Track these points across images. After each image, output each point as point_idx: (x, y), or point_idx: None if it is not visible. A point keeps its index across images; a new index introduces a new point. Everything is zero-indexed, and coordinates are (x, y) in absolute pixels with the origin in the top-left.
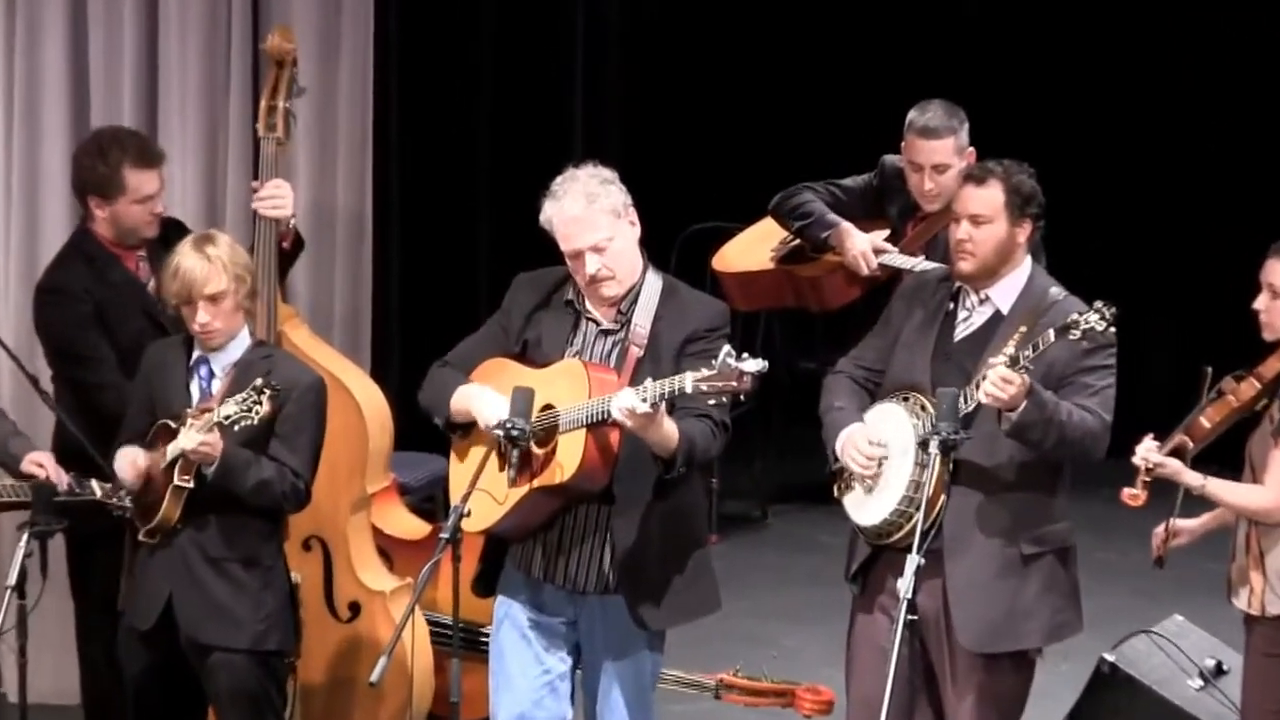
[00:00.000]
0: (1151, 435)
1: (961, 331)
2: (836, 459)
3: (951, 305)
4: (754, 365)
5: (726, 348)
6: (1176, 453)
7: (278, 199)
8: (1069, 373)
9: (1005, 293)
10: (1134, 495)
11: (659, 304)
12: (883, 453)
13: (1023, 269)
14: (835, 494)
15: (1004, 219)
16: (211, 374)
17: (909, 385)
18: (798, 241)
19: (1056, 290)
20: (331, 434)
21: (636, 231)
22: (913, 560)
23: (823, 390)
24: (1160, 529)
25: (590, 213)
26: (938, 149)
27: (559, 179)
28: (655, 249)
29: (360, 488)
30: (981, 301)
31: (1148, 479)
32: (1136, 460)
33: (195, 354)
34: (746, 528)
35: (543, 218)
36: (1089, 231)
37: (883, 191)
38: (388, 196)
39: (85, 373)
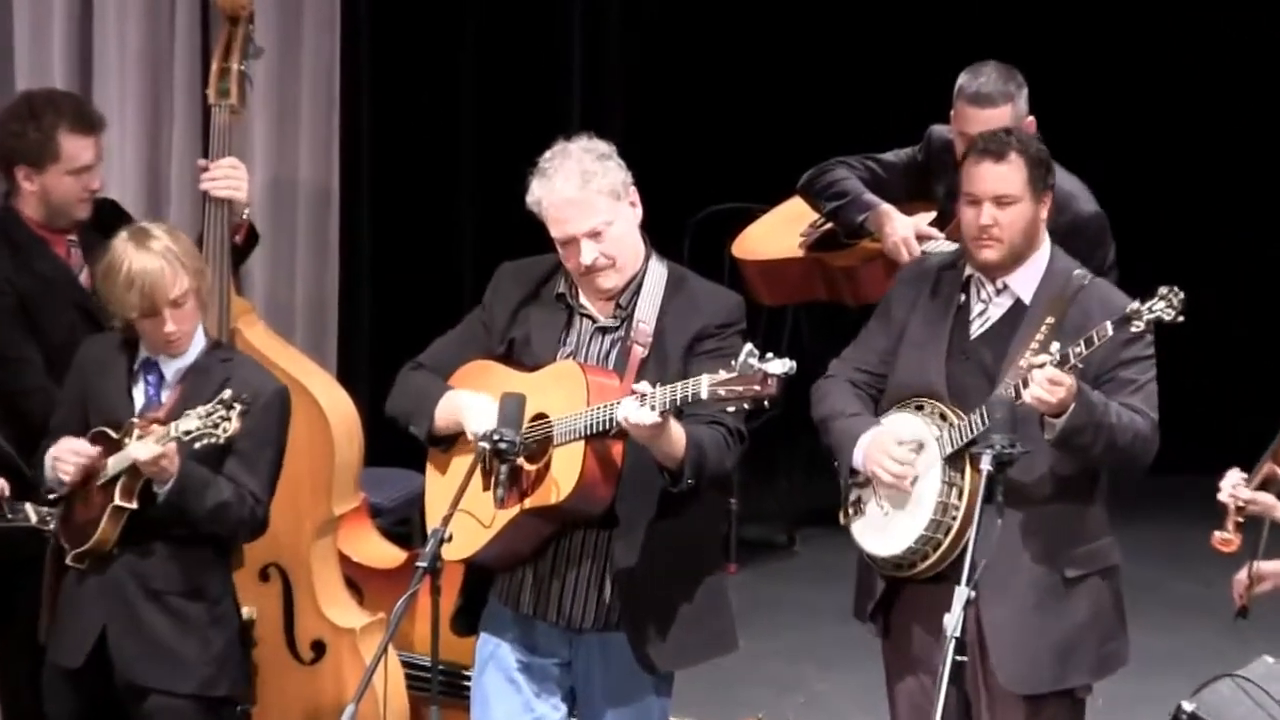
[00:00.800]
0: (1237, 469)
1: (979, 326)
2: (853, 473)
3: (963, 296)
4: (779, 366)
5: (748, 347)
6: (1266, 485)
7: (232, 179)
8: (1107, 367)
9: (1026, 279)
10: (1226, 540)
11: (664, 296)
12: (917, 456)
13: (1043, 251)
14: (842, 520)
15: (1028, 197)
16: (161, 379)
17: (922, 391)
18: (830, 226)
19: (1081, 272)
20: (293, 447)
21: (638, 214)
22: (961, 595)
23: (815, 398)
24: (1242, 574)
25: (586, 194)
26: (993, 118)
27: (549, 154)
28: (663, 234)
29: (325, 509)
30: (999, 291)
31: (1239, 519)
32: (1223, 498)
33: (141, 355)
34: (770, 555)
35: (530, 199)
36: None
37: (929, 168)
38: (357, 173)
39: (7, 376)
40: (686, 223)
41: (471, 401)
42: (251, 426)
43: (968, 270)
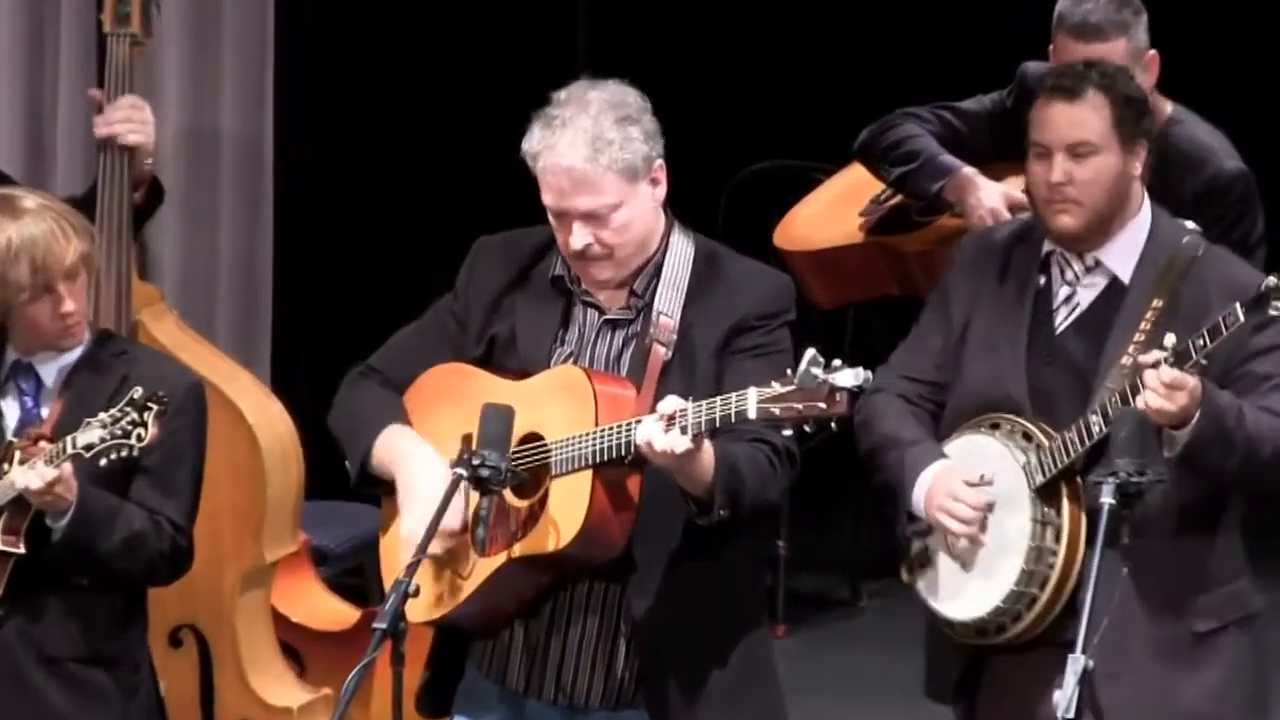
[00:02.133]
0: None
1: (1065, 316)
2: (912, 519)
3: (1042, 278)
4: (851, 378)
5: (810, 352)
6: None
7: (132, 122)
8: (1236, 361)
9: (1123, 252)
10: None
11: (691, 280)
12: (992, 497)
13: (1143, 215)
14: (904, 577)
15: (1115, 145)
16: (39, 385)
17: (997, 404)
18: (898, 198)
19: (1192, 239)
20: (212, 476)
21: (660, 193)
22: (1076, 665)
23: (861, 420)
24: None
25: (594, 170)
26: (1101, 54)
27: (563, 97)
28: (692, 201)
29: (254, 554)
30: (1090, 269)
31: None
32: None
33: (10, 359)
34: (829, 614)
35: (526, 147)
36: None
37: (1020, 116)
38: (296, 122)
39: None
40: (722, 186)
41: (411, 451)
42: (163, 436)
43: (1047, 245)
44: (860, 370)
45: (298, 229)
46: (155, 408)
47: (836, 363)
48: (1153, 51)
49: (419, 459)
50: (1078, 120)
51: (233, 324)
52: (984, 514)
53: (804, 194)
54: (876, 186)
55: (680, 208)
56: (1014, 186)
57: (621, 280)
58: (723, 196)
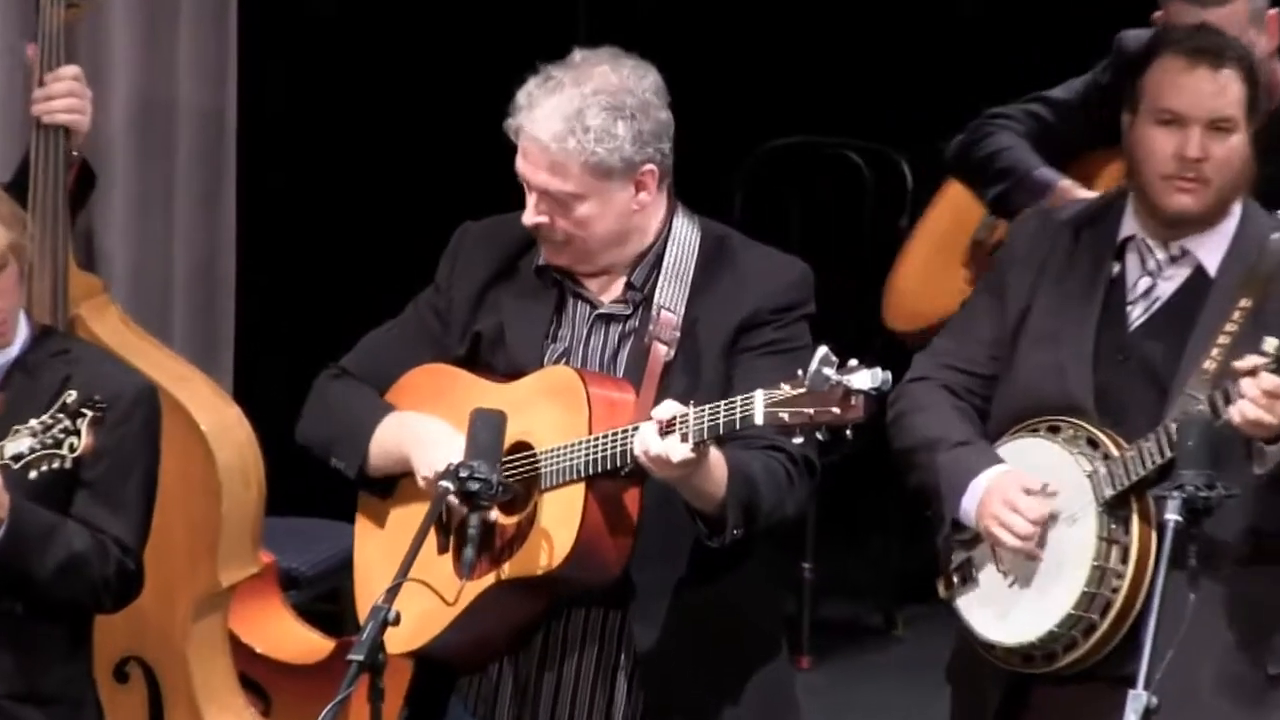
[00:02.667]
0: None
1: (1143, 310)
2: (959, 528)
3: (1117, 266)
4: (868, 379)
5: (822, 350)
6: None
7: (70, 98)
8: None
9: (1215, 241)
10: None
11: (697, 269)
12: (1054, 509)
13: (1238, 204)
14: (942, 591)
15: (1245, 126)
16: None
17: (1057, 405)
18: (1000, 233)
19: None
20: (162, 488)
21: (645, 198)
22: (1138, 703)
23: (896, 413)
24: None
25: (559, 153)
26: (1222, 18)
27: (577, 59)
28: (706, 180)
29: (208, 578)
30: (1175, 258)
31: None
32: None
33: None
34: (860, 644)
35: (518, 95)
36: None
37: (1117, 92)
38: (261, 94)
39: None
40: (741, 162)
41: (426, 429)
42: (108, 445)
43: (1126, 228)
44: (879, 371)
45: (265, 216)
46: (90, 414)
47: (852, 362)
48: (1274, 11)
49: (429, 425)
50: (1221, 90)
51: (190, 323)
52: (1046, 527)
53: (829, 173)
54: (965, 229)
55: (691, 189)
56: (1117, 177)
57: (597, 270)
58: (739, 176)
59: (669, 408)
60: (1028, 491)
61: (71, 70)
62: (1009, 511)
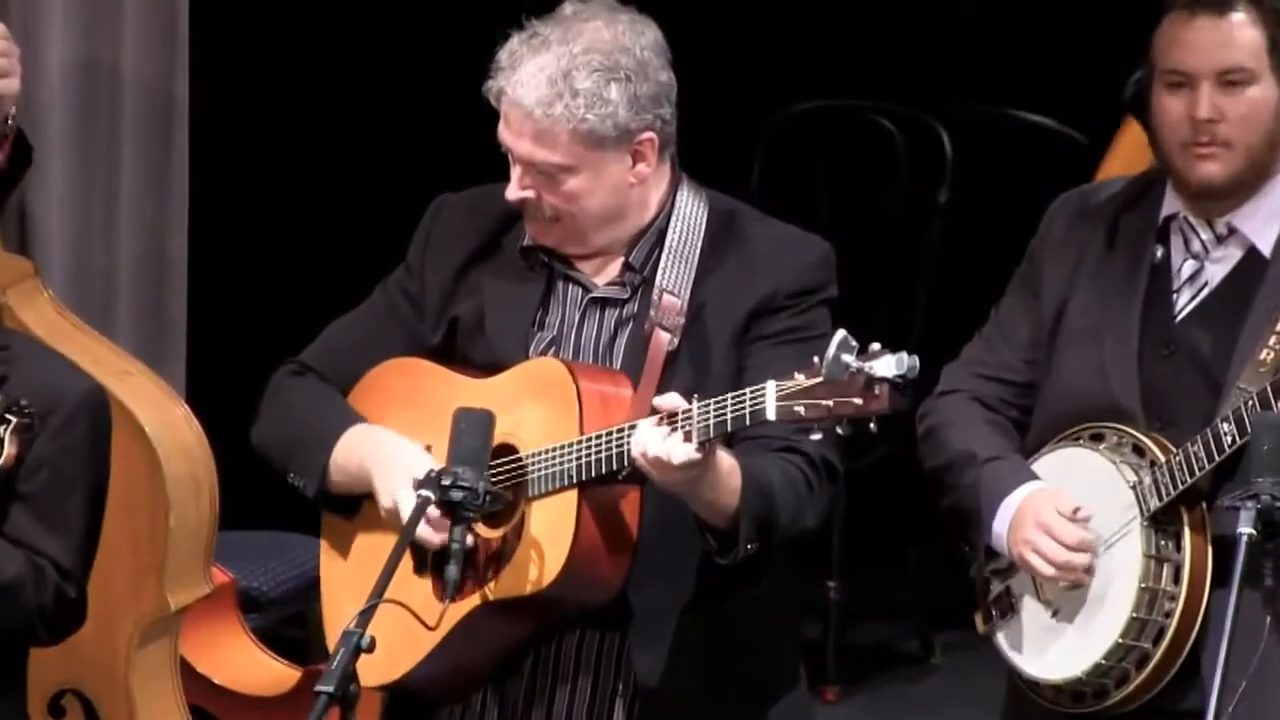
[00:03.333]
0: None
1: (1189, 297)
2: (991, 555)
3: (1159, 250)
4: (892, 365)
5: (840, 334)
6: None
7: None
8: None
9: (1263, 217)
10: None
11: (704, 249)
12: (1093, 537)
13: None
14: (980, 626)
15: (1269, 74)
16: None
17: (1100, 409)
18: None
19: None
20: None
21: (644, 170)
22: None
23: (925, 430)
24: None
25: (544, 119)
26: None
27: (568, 11)
28: (720, 149)
29: (155, 599)
30: (1222, 238)
31: None
32: None
33: None
34: (894, 673)
35: (499, 55)
36: None
37: None
38: (216, 60)
39: None
40: (760, 128)
41: (392, 447)
42: (48, 455)
43: (1166, 207)
44: (904, 356)
45: (220, 194)
46: (13, 420)
47: (874, 346)
48: None
49: (395, 443)
50: (1228, 40)
51: (137, 312)
52: (1086, 556)
53: (859, 141)
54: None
55: (701, 159)
56: None
57: (590, 251)
58: (756, 145)
59: (671, 401)
60: (1062, 514)
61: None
62: (1043, 535)
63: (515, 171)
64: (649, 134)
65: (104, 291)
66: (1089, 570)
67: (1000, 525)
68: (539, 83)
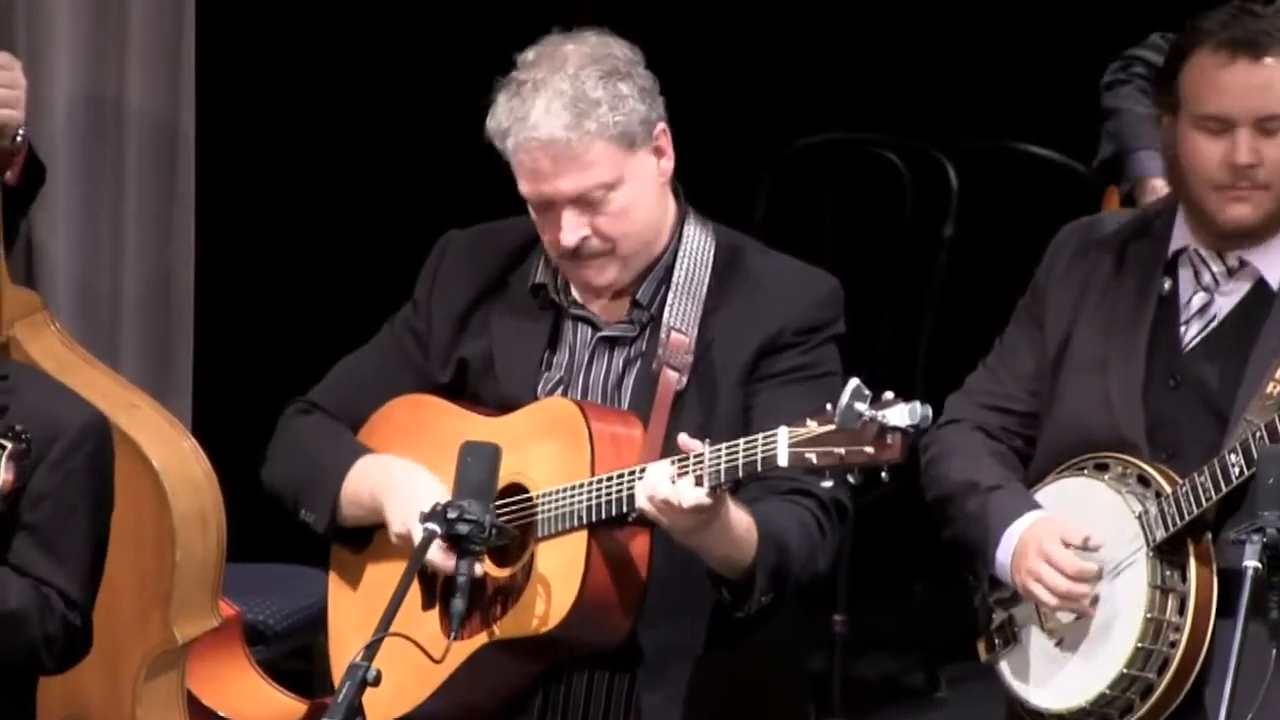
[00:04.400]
0: None
1: (1197, 329)
2: (995, 585)
3: (1167, 282)
4: (905, 415)
5: (854, 383)
6: None
7: (2, 90)
8: None
9: (1275, 249)
10: None
11: (711, 284)
12: (1099, 565)
13: None
14: (983, 654)
15: None
16: None
17: (1105, 440)
18: None
19: None
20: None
21: (667, 166)
22: None
23: (928, 460)
24: None
25: (578, 140)
26: None
27: (530, 57)
28: (726, 183)
29: (161, 633)
30: (1233, 271)
31: None
32: None
33: None
34: (899, 706)
35: (492, 125)
36: None
37: None
38: (223, 91)
39: None
40: (766, 162)
41: (403, 475)
42: (50, 486)
43: (1177, 240)
44: (918, 406)
45: (227, 226)
46: (8, 446)
47: (887, 395)
48: None
49: (407, 471)
50: (1267, 84)
51: (143, 345)
52: (1088, 586)
53: (864, 175)
54: None
55: (707, 193)
56: None
57: (615, 287)
58: (762, 178)
59: (684, 445)
60: (1066, 543)
61: (2, 57)
62: (1045, 565)
63: (565, 217)
64: (661, 124)
65: (109, 322)
66: (1093, 601)
67: (1004, 555)
68: (557, 112)
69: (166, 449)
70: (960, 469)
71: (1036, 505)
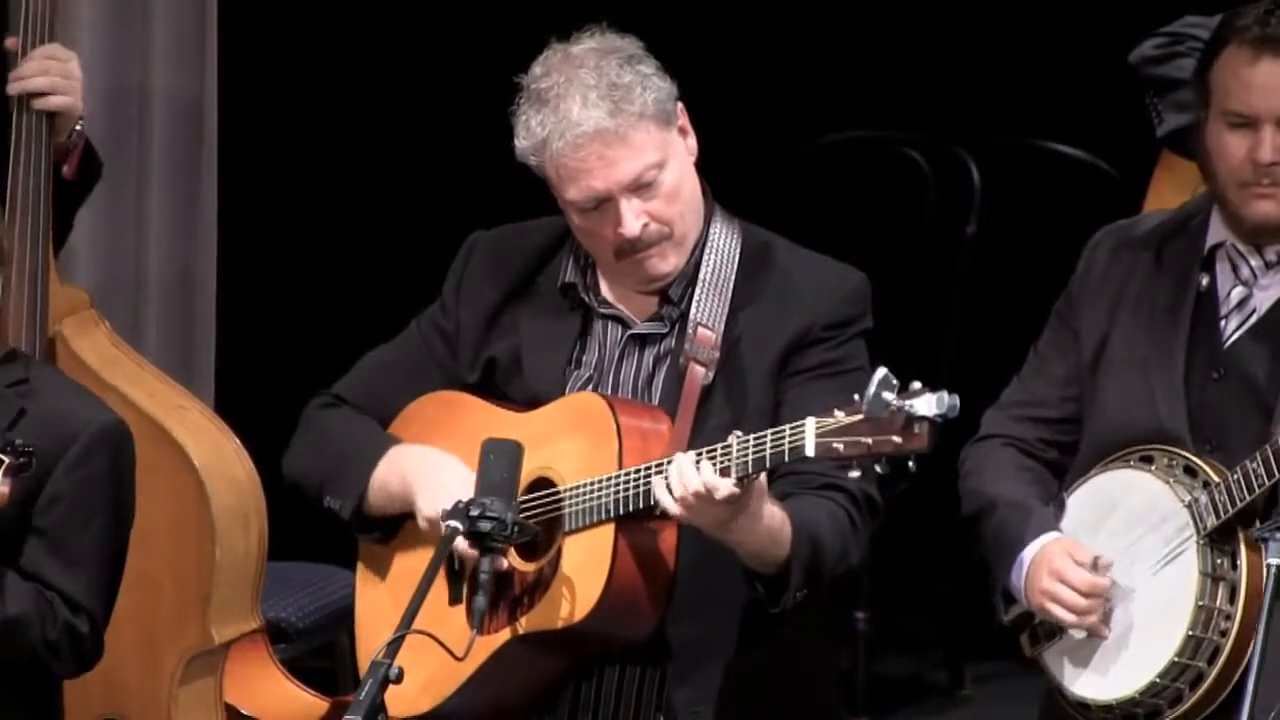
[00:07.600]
0: None
1: (1237, 323)
2: (1011, 602)
3: (1205, 278)
4: (933, 404)
5: (881, 372)
6: None
7: (51, 76)
8: None
9: None
10: None
11: (738, 281)
12: (1108, 583)
13: None
14: (1027, 649)
15: None
16: None
17: (1147, 434)
18: None
19: None
20: (149, 531)
21: (693, 144)
22: None
23: (963, 474)
24: None
25: (624, 124)
26: None
27: (539, 71)
28: (748, 182)
29: (199, 633)
30: (1270, 265)
31: None
32: None
33: None
34: (924, 704)
35: (524, 144)
36: None
37: None
38: (246, 81)
39: None
40: (783, 163)
41: (435, 464)
42: (63, 491)
43: (1214, 235)
44: (945, 395)
45: (250, 217)
46: (7, 460)
47: (915, 385)
48: None
49: (437, 460)
50: None
51: (165, 339)
52: (1098, 601)
53: (887, 173)
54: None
55: (731, 191)
56: None
57: (670, 278)
58: (784, 177)
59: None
60: (1078, 562)
61: (50, 47)
62: (1059, 585)
63: (624, 206)
64: (679, 103)
65: (131, 315)
66: (1105, 619)
67: (1017, 578)
68: (595, 103)
69: (211, 451)
70: (987, 487)
71: (1050, 527)
